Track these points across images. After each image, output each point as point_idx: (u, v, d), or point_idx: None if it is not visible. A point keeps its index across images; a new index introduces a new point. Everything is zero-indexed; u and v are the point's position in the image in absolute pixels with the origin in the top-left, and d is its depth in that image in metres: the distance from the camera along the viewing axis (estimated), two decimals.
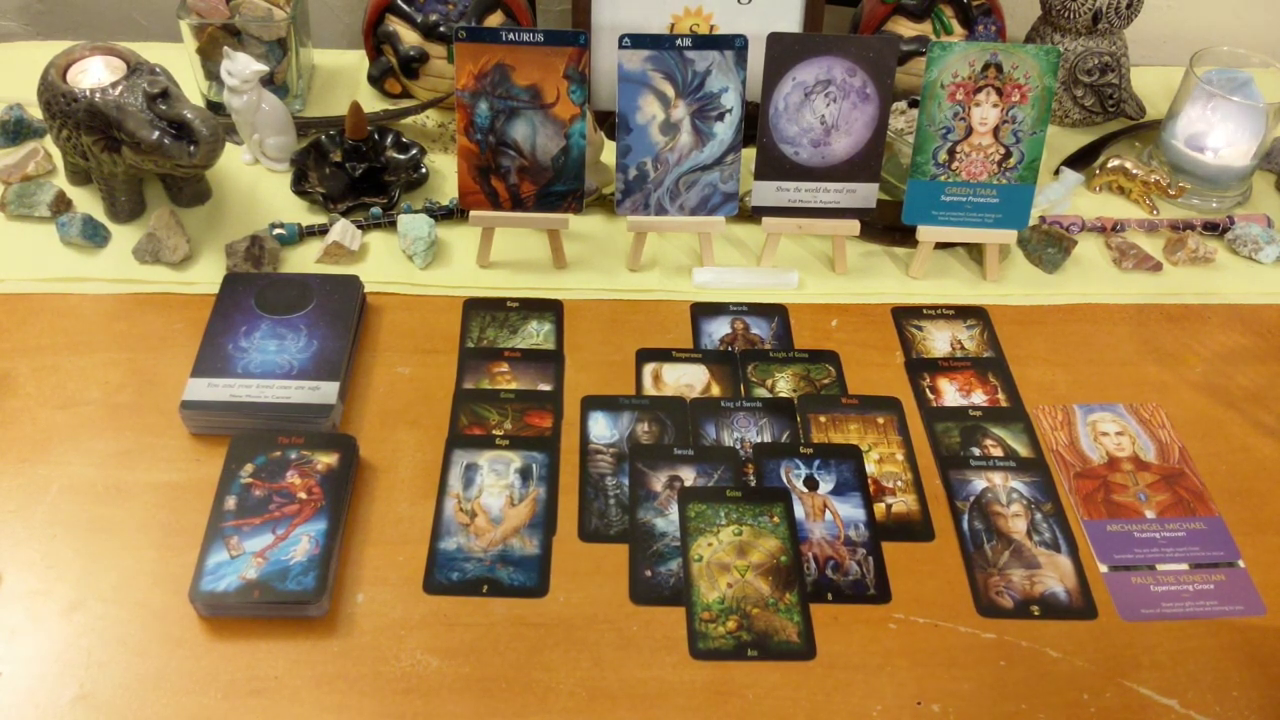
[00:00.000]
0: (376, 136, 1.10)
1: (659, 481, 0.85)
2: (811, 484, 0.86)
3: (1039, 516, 0.85)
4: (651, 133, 0.99)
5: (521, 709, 0.71)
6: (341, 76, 1.26)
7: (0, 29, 1.37)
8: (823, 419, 0.91)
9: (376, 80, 1.19)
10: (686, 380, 0.94)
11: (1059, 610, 0.79)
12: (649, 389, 0.93)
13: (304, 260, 1.03)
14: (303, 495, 0.80)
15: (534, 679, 0.73)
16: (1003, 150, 1.00)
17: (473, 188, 1.00)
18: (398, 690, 0.72)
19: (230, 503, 0.79)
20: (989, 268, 1.05)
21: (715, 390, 0.93)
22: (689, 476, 0.86)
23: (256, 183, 1.11)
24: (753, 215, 1.04)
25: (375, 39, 1.17)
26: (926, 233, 1.03)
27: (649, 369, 0.95)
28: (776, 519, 0.83)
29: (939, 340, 0.99)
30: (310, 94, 1.23)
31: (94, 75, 0.98)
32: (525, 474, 0.85)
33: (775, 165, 1.01)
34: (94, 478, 0.83)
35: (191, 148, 0.94)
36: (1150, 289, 1.06)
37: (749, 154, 1.03)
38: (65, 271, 1.00)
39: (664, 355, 0.96)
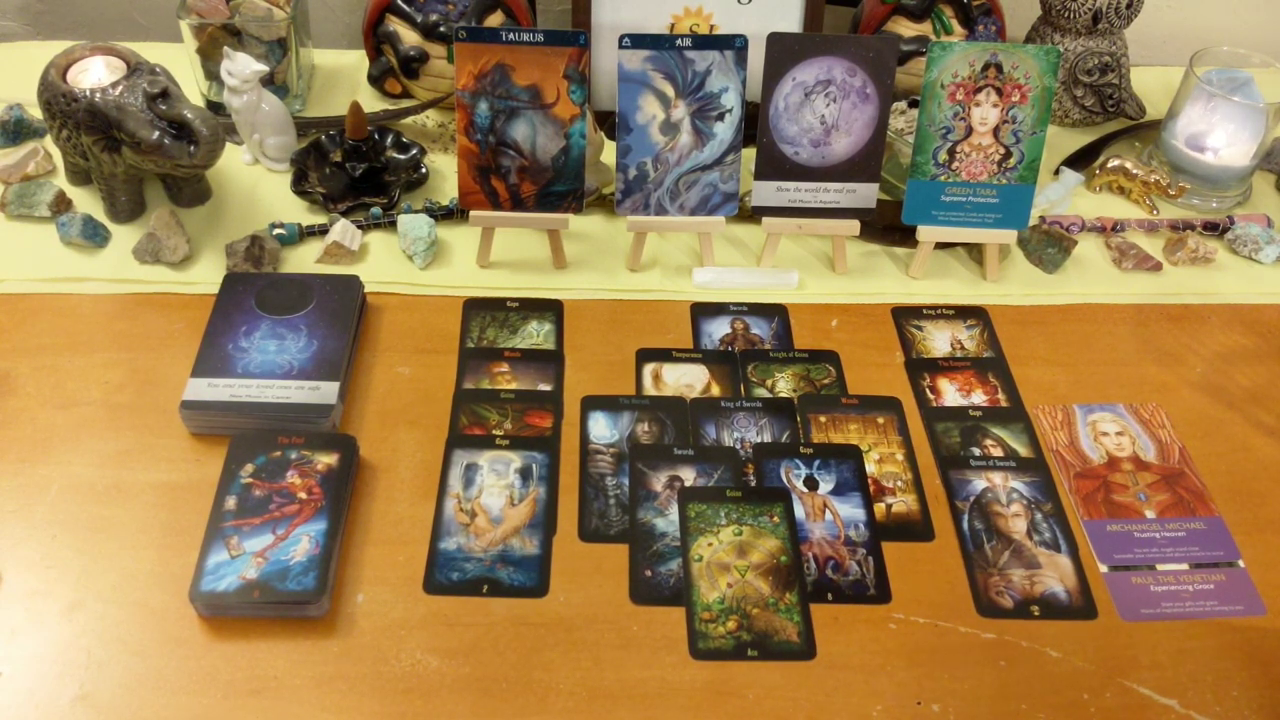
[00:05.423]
0: (376, 136, 1.10)
1: (659, 481, 0.85)
2: (811, 484, 0.86)
3: (1039, 516, 0.85)
4: (651, 133, 0.99)
5: (521, 709, 0.71)
6: (341, 76, 1.26)
7: (0, 29, 1.37)
8: (823, 419, 0.91)
9: (376, 80, 1.19)
10: (686, 380, 0.94)
11: (1059, 610, 0.79)
12: (649, 389, 0.93)
13: (304, 260, 1.03)
14: (303, 495, 0.80)
15: (534, 679, 0.73)
16: (1003, 150, 1.00)
17: (473, 188, 1.00)
18: (398, 690, 0.72)
19: (230, 503, 0.79)
20: (989, 268, 1.05)
21: (715, 390, 0.93)
22: (689, 476, 0.86)
23: (256, 183, 1.11)
24: (753, 215, 1.04)
25: (375, 39, 1.17)
26: (926, 233, 1.03)
27: (649, 369, 0.95)
28: (776, 519, 0.83)
29: (939, 340, 0.99)
30: (310, 94, 1.23)
31: (94, 75, 0.98)
32: (525, 474, 0.85)
33: (775, 165, 1.01)
34: (94, 478, 0.83)
35: (191, 148, 0.94)
36: (1150, 289, 1.06)
37: (749, 154, 1.03)
38: (65, 271, 1.00)
39: (664, 355, 0.96)
